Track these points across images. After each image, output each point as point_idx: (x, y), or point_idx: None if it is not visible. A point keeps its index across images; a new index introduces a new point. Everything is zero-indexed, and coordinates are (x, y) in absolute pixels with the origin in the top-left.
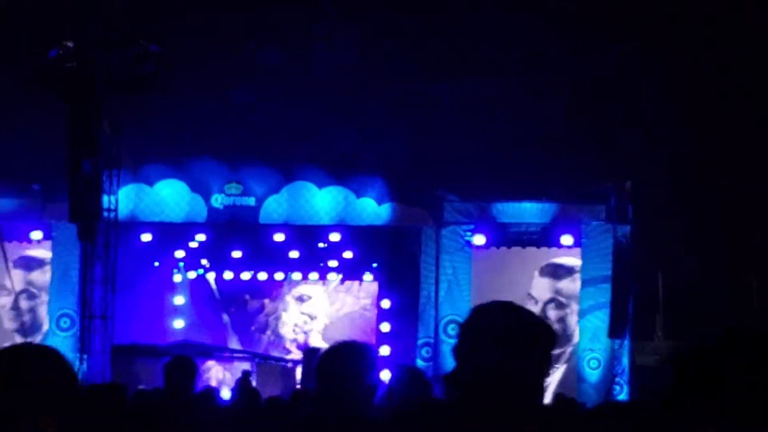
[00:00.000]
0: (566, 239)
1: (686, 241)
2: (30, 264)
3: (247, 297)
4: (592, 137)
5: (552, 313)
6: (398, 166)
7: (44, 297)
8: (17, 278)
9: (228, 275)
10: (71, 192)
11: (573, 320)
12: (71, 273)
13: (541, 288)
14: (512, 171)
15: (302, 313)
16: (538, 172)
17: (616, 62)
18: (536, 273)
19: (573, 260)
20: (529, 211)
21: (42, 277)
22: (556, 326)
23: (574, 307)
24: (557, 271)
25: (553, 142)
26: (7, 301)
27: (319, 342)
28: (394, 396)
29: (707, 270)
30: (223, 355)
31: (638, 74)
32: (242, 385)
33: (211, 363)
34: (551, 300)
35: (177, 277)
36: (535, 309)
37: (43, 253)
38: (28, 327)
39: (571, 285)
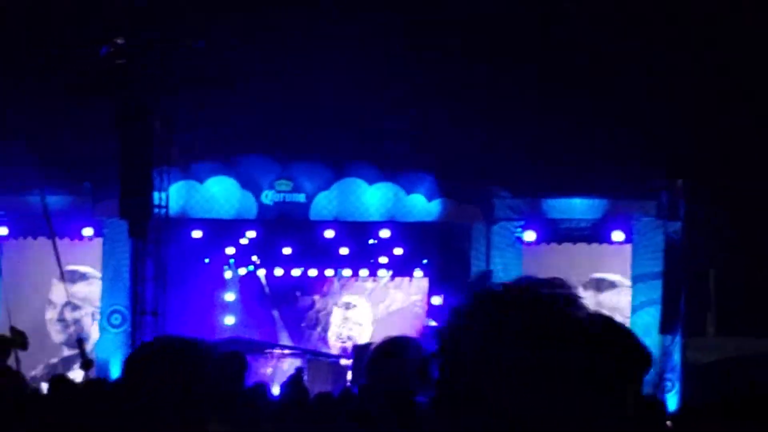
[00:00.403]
0: (617, 235)
1: (736, 237)
2: (72, 277)
3: (298, 294)
4: (643, 133)
5: None
6: (448, 162)
7: (87, 308)
8: (61, 292)
9: (278, 272)
10: (122, 189)
11: None
12: (122, 270)
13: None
14: (563, 167)
15: (346, 318)
16: (589, 168)
17: (665, 58)
18: (580, 287)
19: (617, 276)
20: (579, 207)
21: (85, 289)
22: None
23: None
24: (600, 285)
25: (604, 138)
26: (53, 314)
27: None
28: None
29: (758, 266)
30: (273, 351)
31: (687, 71)
32: (294, 381)
33: (260, 360)
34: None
35: (227, 274)
36: None
37: (84, 268)
38: (76, 338)
39: (614, 298)
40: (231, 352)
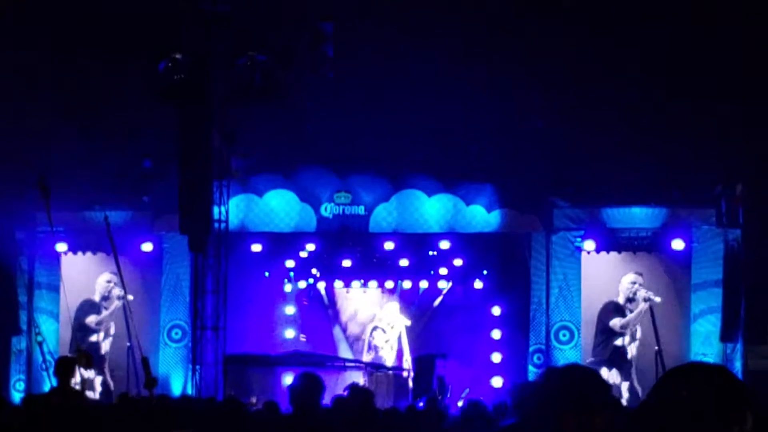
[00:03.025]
0: (677, 243)
1: None
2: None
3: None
4: (699, 141)
5: None
6: (507, 173)
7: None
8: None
9: (338, 284)
10: (181, 204)
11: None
12: (182, 284)
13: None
14: (622, 176)
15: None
16: (648, 177)
17: (720, 61)
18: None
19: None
20: (638, 216)
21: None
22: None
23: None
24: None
25: (662, 147)
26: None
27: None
28: None
29: None
30: (335, 364)
31: (740, 75)
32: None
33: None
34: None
35: (287, 287)
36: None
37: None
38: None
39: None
40: (307, 374)
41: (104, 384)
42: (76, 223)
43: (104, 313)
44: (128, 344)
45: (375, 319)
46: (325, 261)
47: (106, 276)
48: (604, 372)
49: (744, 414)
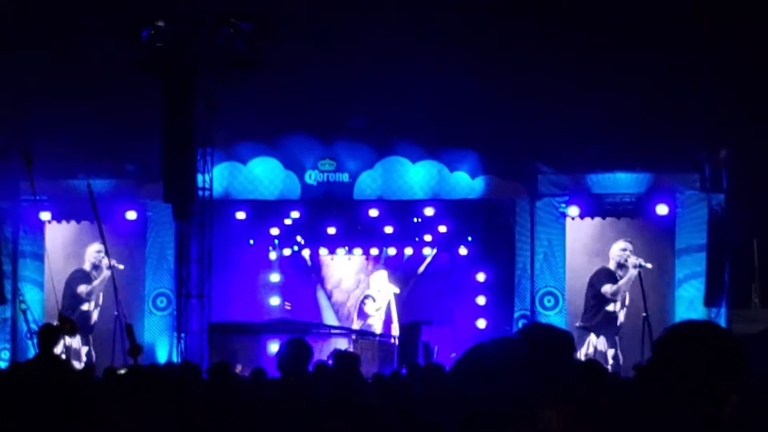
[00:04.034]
0: (661, 209)
1: None
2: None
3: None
4: (685, 105)
5: None
6: (491, 139)
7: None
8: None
9: (323, 252)
10: (165, 171)
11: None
12: (167, 252)
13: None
14: (606, 141)
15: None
16: (632, 142)
17: (706, 30)
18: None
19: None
20: (623, 182)
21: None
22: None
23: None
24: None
25: (647, 111)
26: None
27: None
28: None
29: None
30: (320, 331)
31: (726, 43)
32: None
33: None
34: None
35: (272, 255)
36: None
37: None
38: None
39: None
40: (294, 340)
41: (89, 354)
42: (60, 191)
43: (94, 282)
44: (115, 313)
45: (365, 288)
46: (309, 228)
47: (96, 246)
48: (592, 339)
49: (740, 383)
